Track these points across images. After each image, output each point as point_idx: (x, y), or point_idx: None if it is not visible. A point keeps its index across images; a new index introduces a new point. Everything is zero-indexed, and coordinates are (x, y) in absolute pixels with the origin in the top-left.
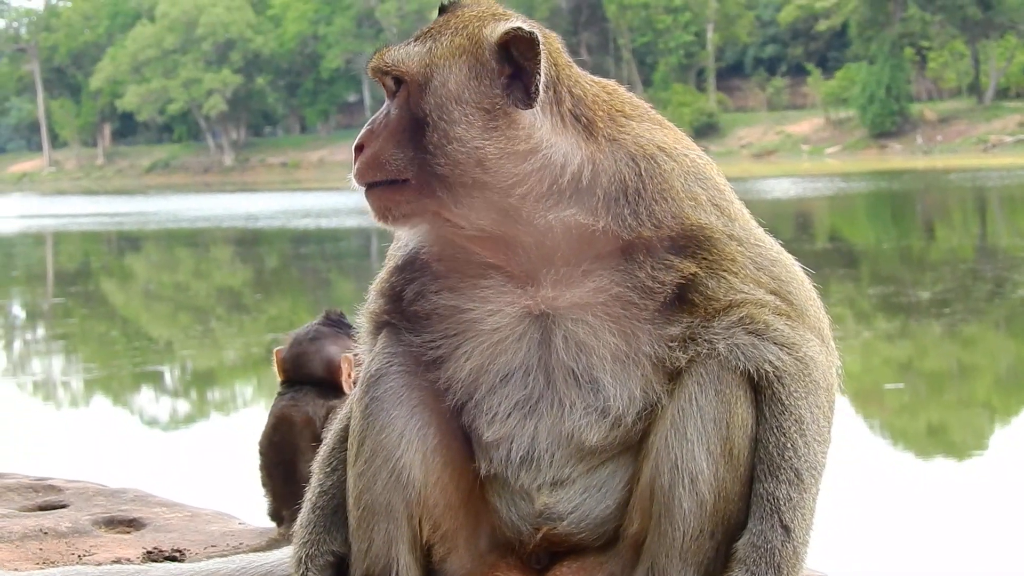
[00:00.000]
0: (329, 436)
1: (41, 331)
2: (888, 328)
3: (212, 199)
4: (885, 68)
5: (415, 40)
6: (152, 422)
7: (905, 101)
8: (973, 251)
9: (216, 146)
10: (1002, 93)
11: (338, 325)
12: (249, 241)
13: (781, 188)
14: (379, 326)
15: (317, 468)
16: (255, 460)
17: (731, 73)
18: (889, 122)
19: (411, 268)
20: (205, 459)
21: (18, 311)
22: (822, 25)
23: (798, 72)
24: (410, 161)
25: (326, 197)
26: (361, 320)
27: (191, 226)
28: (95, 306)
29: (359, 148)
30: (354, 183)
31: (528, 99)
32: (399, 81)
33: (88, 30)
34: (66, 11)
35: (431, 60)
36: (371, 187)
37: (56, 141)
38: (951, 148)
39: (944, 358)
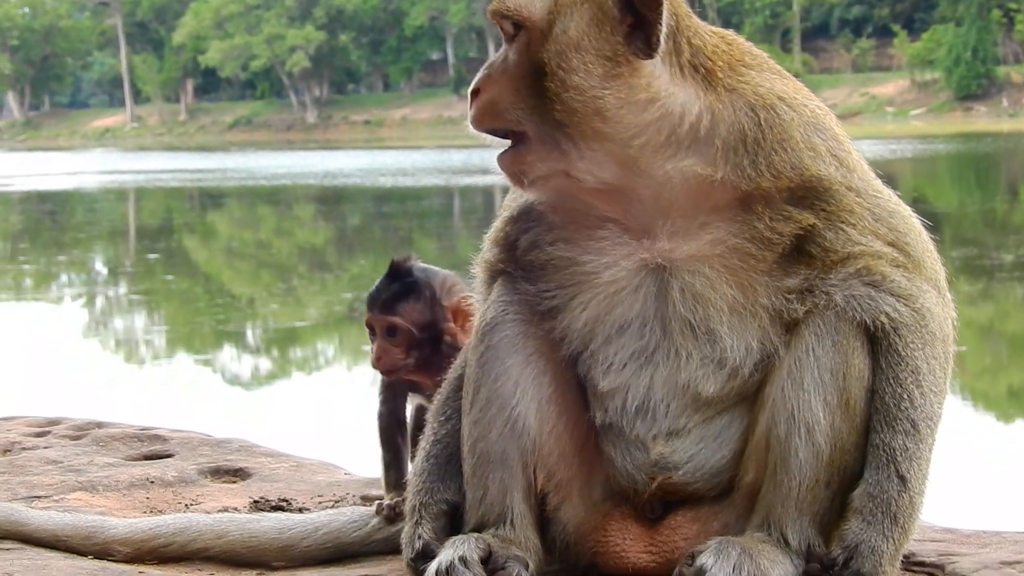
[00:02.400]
0: (444, 385)
1: (125, 287)
2: (970, 291)
3: (294, 156)
4: (972, 30)
5: None
6: (249, 377)
7: (991, 63)
8: None
9: (299, 103)
10: None
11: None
12: (331, 199)
13: (865, 150)
14: (494, 275)
15: (431, 417)
16: (353, 412)
17: (816, 34)
18: (975, 84)
19: (526, 218)
20: (303, 412)
21: (101, 268)
22: None
23: (884, 33)
24: (530, 111)
25: (408, 155)
26: (476, 269)
27: (273, 183)
28: (178, 264)
29: (475, 92)
30: (470, 127)
31: (649, 48)
32: (518, 26)
33: None
34: None
35: (554, 6)
36: (501, 155)
37: (139, 97)
38: None
39: None
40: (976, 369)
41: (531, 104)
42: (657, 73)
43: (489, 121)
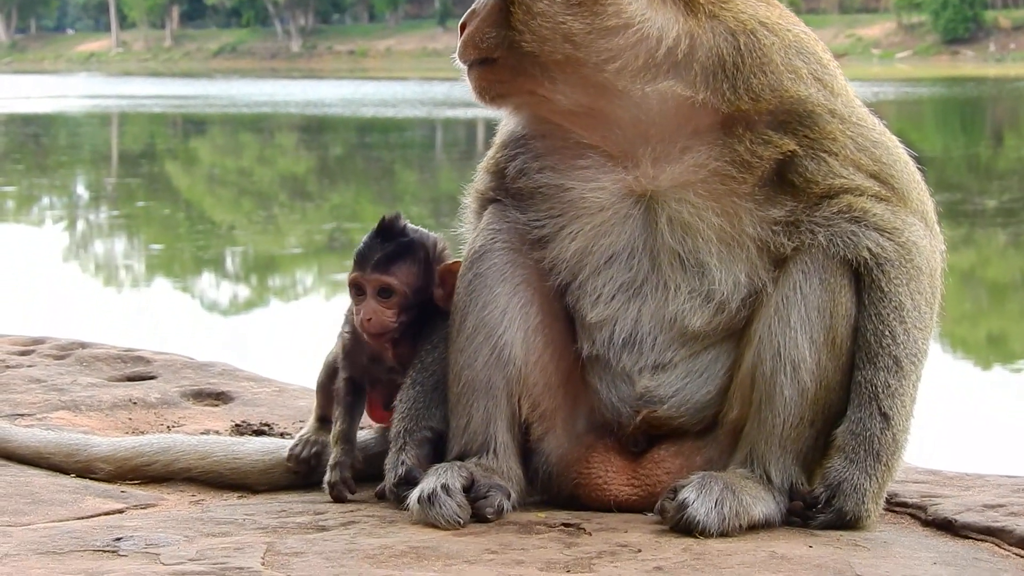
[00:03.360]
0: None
1: (107, 212)
2: (954, 235)
3: (278, 85)
4: None
5: None
6: (229, 304)
7: (979, 7)
8: None
9: (284, 32)
10: None
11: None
12: (314, 128)
13: None
14: (485, 203)
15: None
16: (334, 339)
17: None
18: (962, 28)
19: (514, 145)
20: (284, 339)
21: (83, 191)
22: None
23: None
24: (501, 39)
25: (392, 86)
26: (467, 199)
27: (256, 111)
28: (160, 189)
29: (463, 27)
30: (457, 60)
31: None
32: None
33: None
34: None
35: None
36: (470, 68)
37: (124, 22)
38: None
39: (1008, 267)
40: (956, 315)
41: (504, 34)
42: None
43: (469, 53)
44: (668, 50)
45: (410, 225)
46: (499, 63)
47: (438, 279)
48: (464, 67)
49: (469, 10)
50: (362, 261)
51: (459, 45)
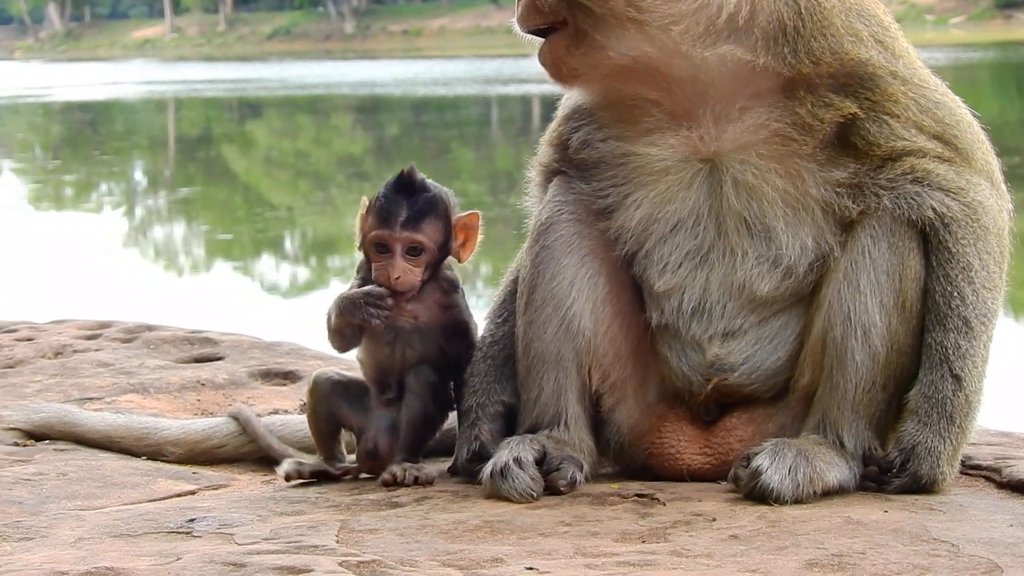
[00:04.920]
0: (500, 288)
1: (165, 197)
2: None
3: (332, 66)
4: None
5: None
6: (290, 286)
7: None
8: None
9: (337, 13)
10: None
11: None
12: (369, 109)
13: None
14: (549, 176)
15: (488, 319)
16: None
17: None
18: None
19: (577, 117)
20: None
21: (142, 177)
22: None
23: None
24: (569, 3)
25: (447, 65)
26: (532, 172)
27: (311, 93)
28: (218, 173)
29: None
30: (517, 29)
31: None
32: None
33: None
34: None
35: None
36: (538, 35)
37: (178, 7)
38: None
39: None
40: (1021, 279)
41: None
42: None
43: (531, 19)
44: (729, 16)
45: (427, 179)
46: (566, 28)
47: (455, 233)
48: (526, 34)
49: None
50: (388, 218)
51: (520, 9)
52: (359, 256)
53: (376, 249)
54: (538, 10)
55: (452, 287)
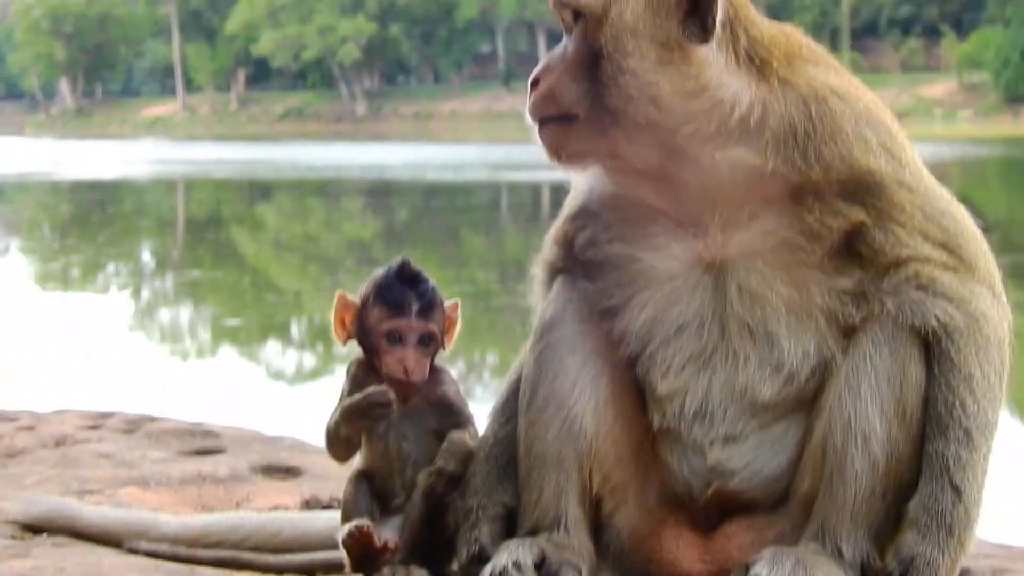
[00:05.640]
0: (504, 386)
1: (173, 279)
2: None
3: (344, 148)
4: (1020, 32)
5: None
6: (296, 373)
7: None
8: None
9: (349, 94)
10: None
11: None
12: (379, 192)
13: None
14: (554, 274)
15: (491, 419)
16: None
17: (865, 33)
18: (1023, 87)
19: (583, 216)
20: None
21: (149, 259)
22: None
23: (932, 34)
24: (583, 94)
25: (458, 149)
26: (536, 269)
27: (322, 175)
28: (227, 255)
29: (534, 83)
30: (528, 118)
31: (704, 33)
32: (577, 15)
33: None
34: None
35: None
36: (543, 124)
37: (190, 85)
38: None
39: None
40: (1023, 380)
41: (586, 88)
42: (711, 60)
43: (544, 108)
44: (741, 117)
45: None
46: (578, 121)
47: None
48: (535, 124)
49: (541, 66)
50: (402, 308)
51: (532, 100)
52: (348, 350)
53: (388, 340)
54: (555, 100)
55: (441, 370)
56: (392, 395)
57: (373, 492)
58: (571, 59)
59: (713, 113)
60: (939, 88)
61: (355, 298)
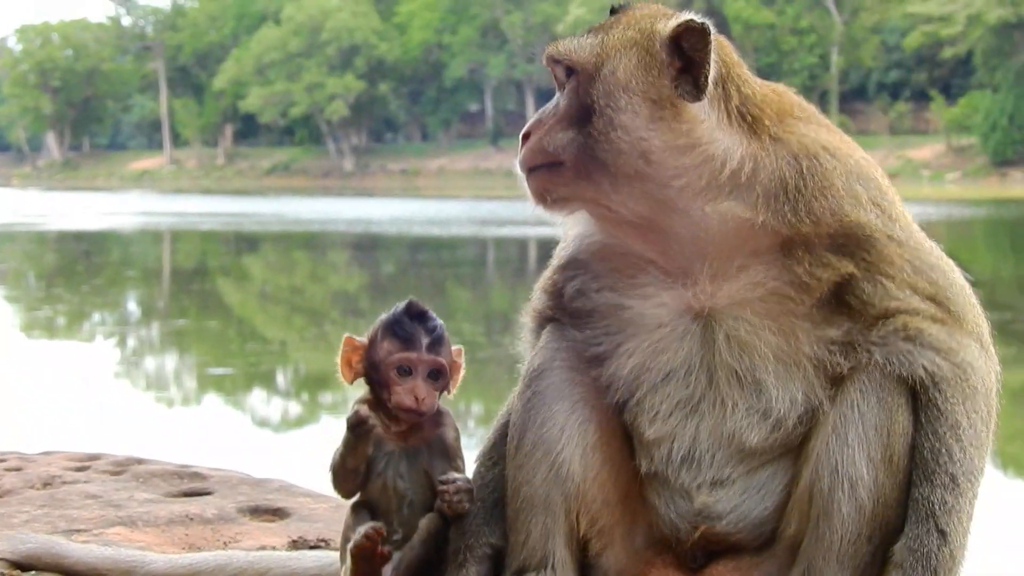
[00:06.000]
0: (491, 431)
1: (159, 329)
2: (1005, 354)
3: (331, 203)
4: (1009, 96)
5: (588, 33)
6: (282, 421)
7: None
8: None
9: (337, 151)
10: None
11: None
12: (366, 246)
13: None
14: (543, 322)
15: (479, 461)
16: None
17: (854, 96)
18: (1011, 150)
19: (573, 266)
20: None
21: (135, 309)
22: (947, 52)
23: (921, 98)
24: (570, 142)
25: (445, 205)
26: (525, 317)
27: (308, 229)
28: (212, 307)
29: (526, 136)
30: (518, 170)
31: (696, 91)
32: (570, 71)
33: (213, 31)
34: (192, 11)
35: (602, 49)
36: (531, 171)
37: (177, 140)
38: None
39: None
40: (1009, 433)
41: (577, 141)
42: (702, 117)
43: (533, 159)
44: (732, 172)
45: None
46: (564, 168)
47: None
48: (523, 174)
49: (534, 119)
50: (412, 341)
51: (523, 152)
52: (351, 391)
53: (398, 373)
54: (543, 150)
55: (441, 411)
56: (365, 411)
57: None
58: (563, 113)
59: (704, 168)
60: (927, 151)
61: (362, 339)
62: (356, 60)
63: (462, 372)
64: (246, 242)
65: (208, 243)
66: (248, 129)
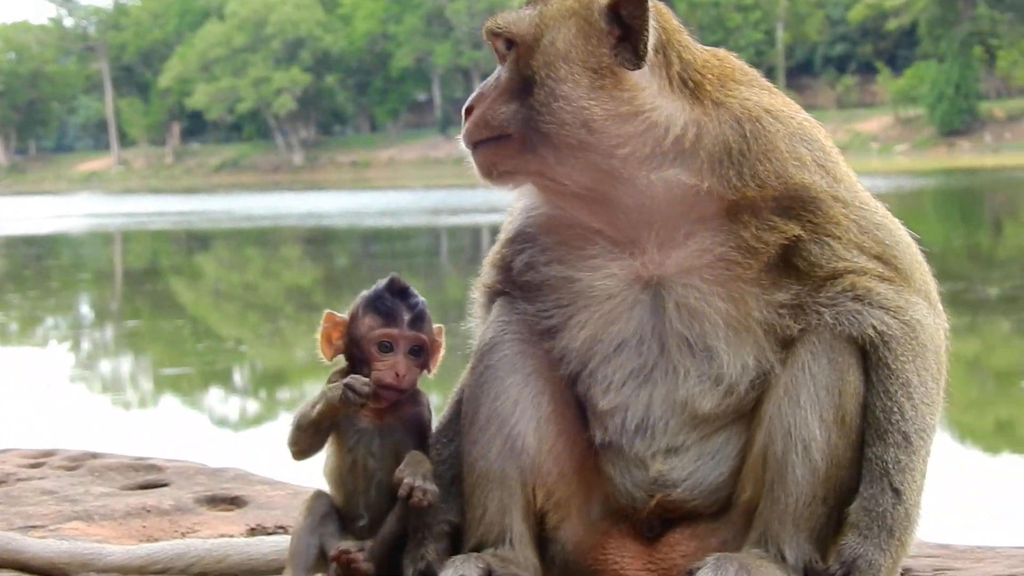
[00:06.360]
0: (447, 407)
1: (112, 330)
2: (957, 323)
3: (281, 198)
4: (954, 66)
5: (527, 4)
6: (238, 417)
7: (974, 99)
8: None
9: (285, 145)
10: None
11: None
12: (318, 240)
13: None
14: (493, 297)
15: (435, 439)
16: None
17: (800, 71)
18: (958, 120)
19: (520, 240)
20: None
21: (88, 311)
22: (892, 23)
23: (867, 70)
24: (514, 115)
25: (395, 196)
26: (475, 293)
27: (259, 224)
28: (165, 306)
29: (469, 110)
30: (463, 145)
31: (636, 59)
32: (510, 44)
33: (157, 28)
34: (135, 9)
35: (541, 20)
36: (477, 146)
37: (124, 140)
38: (1020, 146)
39: (1013, 354)
40: (963, 402)
41: (518, 111)
42: (643, 85)
43: (477, 133)
44: (676, 138)
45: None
46: (510, 140)
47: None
48: (470, 150)
49: (476, 93)
50: (394, 317)
51: (467, 127)
52: (311, 386)
53: (379, 348)
54: (486, 123)
55: (419, 392)
56: (370, 388)
57: (334, 511)
58: (504, 86)
59: (647, 135)
60: (874, 123)
61: (343, 316)
62: (301, 53)
63: (442, 351)
64: (197, 240)
65: (159, 243)
66: (195, 127)
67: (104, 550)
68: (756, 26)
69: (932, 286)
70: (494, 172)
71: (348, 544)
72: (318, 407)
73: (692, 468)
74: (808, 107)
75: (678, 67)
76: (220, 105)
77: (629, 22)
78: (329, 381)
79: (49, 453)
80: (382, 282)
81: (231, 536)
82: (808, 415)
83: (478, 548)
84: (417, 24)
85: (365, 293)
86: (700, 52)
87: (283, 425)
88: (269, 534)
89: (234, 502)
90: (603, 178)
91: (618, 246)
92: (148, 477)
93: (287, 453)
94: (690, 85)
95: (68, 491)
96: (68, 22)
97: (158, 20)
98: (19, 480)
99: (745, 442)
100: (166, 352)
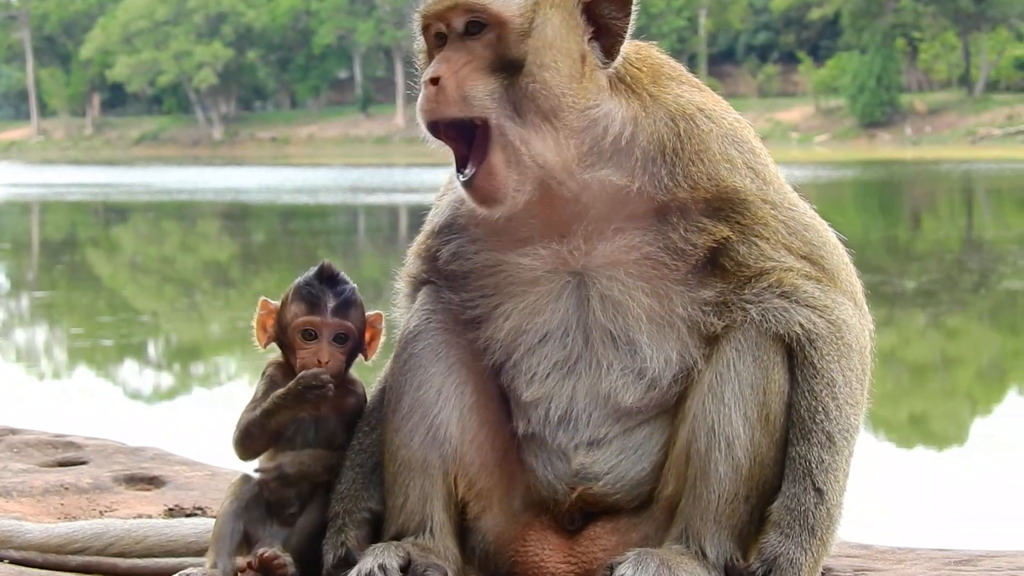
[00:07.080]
0: (371, 395)
1: (28, 301)
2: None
3: (200, 172)
4: (876, 58)
5: None
6: (154, 391)
7: (895, 91)
8: (959, 242)
9: (205, 119)
10: (992, 86)
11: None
12: (237, 215)
13: None
14: (418, 286)
15: (357, 426)
16: None
17: (723, 59)
18: (879, 112)
19: (448, 231)
20: (212, 425)
21: (3, 280)
22: (815, 13)
23: (789, 60)
24: (491, 94)
25: (315, 173)
26: (399, 283)
27: (178, 199)
28: (83, 277)
29: (435, 80)
30: (423, 119)
31: (607, 59)
32: (480, 24)
33: None
34: None
35: (530, 5)
36: (469, 182)
37: (45, 110)
38: (940, 139)
39: (928, 348)
40: (879, 395)
41: (497, 92)
42: (601, 82)
43: (455, 108)
44: (614, 137)
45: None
46: (487, 127)
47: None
48: (435, 125)
49: (438, 66)
50: (317, 304)
51: (436, 97)
52: (227, 361)
53: (303, 336)
54: (463, 100)
55: (354, 381)
56: (327, 375)
57: (262, 498)
58: (481, 63)
59: (587, 133)
60: (796, 113)
61: (275, 303)
62: (224, 28)
63: (382, 337)
64: (115, 213)
65: (77, 214)
66: (116, 99)
67: (23, 528)
68: (679, 13)
69: (859, 287)
70: (496, 203)
71: (270, 550)
72: (276, 417)
73: (614, 462)
74: (730, 96)
75: (619, 62)
76: (141, 78)
77: (603, 22)
78: (264, 372)
79: None
80: (312, 269)
81: (149, 516)
82: (732, 412)
83: (398, 536)
84: (340, 2)
85: (297, 279)
86: (632, 46)
87: (198, 400)
88: (187, 515)
89: (152, 482)
90: (548, 170)
91: (548, 230)
92: (67, 454)
93: (203, 433)
94: (627, 80)
95: None
96: None
97: None
98: None
99: (668, 437)
100: (83, 323)
